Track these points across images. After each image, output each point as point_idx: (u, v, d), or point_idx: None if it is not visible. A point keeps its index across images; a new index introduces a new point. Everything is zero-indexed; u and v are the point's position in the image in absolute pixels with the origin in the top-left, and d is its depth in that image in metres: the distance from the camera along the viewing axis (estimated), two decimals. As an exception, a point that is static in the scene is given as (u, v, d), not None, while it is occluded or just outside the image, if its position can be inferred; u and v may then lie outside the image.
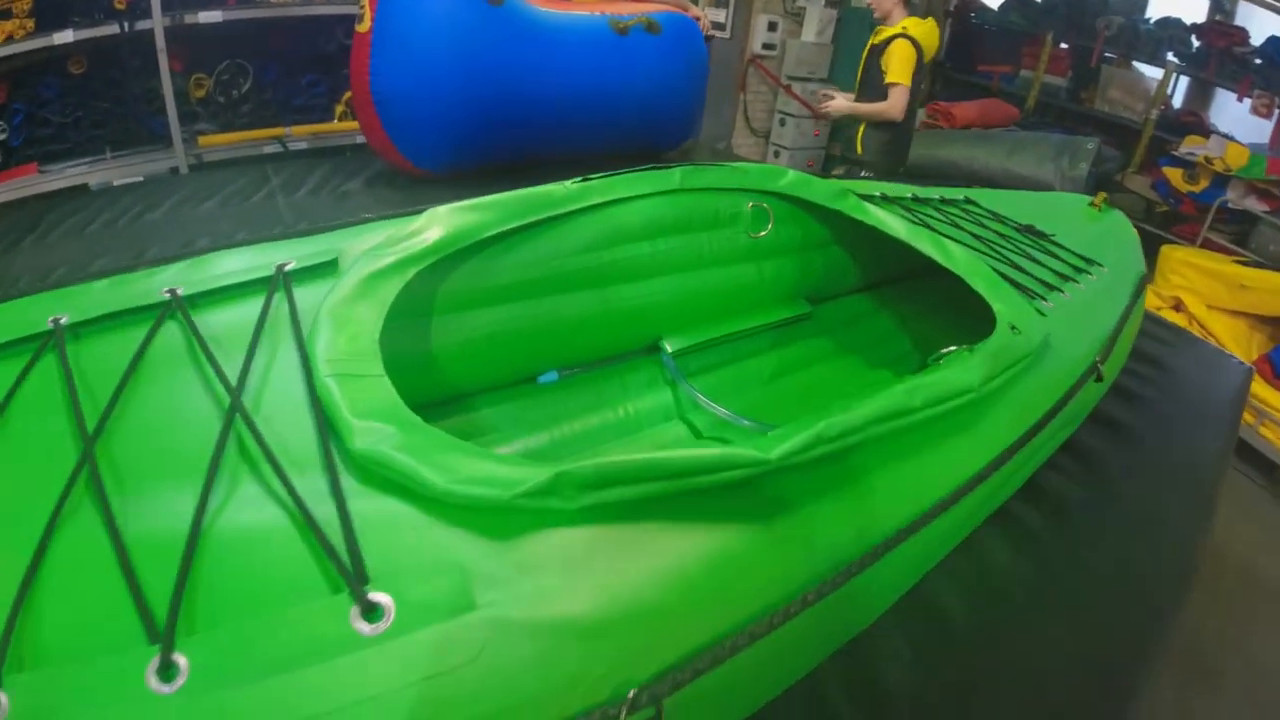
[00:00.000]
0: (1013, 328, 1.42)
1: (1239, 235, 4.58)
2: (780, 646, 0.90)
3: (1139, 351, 2.26)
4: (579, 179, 1.53)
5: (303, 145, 3.61)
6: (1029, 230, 2.10)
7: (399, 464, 0.77)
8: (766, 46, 5.75)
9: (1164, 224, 5.06)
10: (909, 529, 1.04)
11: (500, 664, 0.67)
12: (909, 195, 2.08)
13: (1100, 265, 2.02)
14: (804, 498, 0.99)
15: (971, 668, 1.12)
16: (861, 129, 3.23)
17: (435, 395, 1.44)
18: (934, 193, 2.22)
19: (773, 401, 1.89)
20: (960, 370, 1.23)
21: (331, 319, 0.99)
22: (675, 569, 0.83)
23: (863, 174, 3.22)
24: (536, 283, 1.47)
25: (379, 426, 0.82)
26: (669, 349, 1.77)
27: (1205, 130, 5.11)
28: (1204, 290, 4.08)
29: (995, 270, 1.68)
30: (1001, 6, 6.54)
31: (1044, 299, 1.67)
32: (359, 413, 0.83)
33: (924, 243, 1.73)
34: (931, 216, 1.94)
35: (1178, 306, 4.14)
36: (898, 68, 3.01)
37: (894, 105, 3.07)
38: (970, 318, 2.30)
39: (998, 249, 1.87)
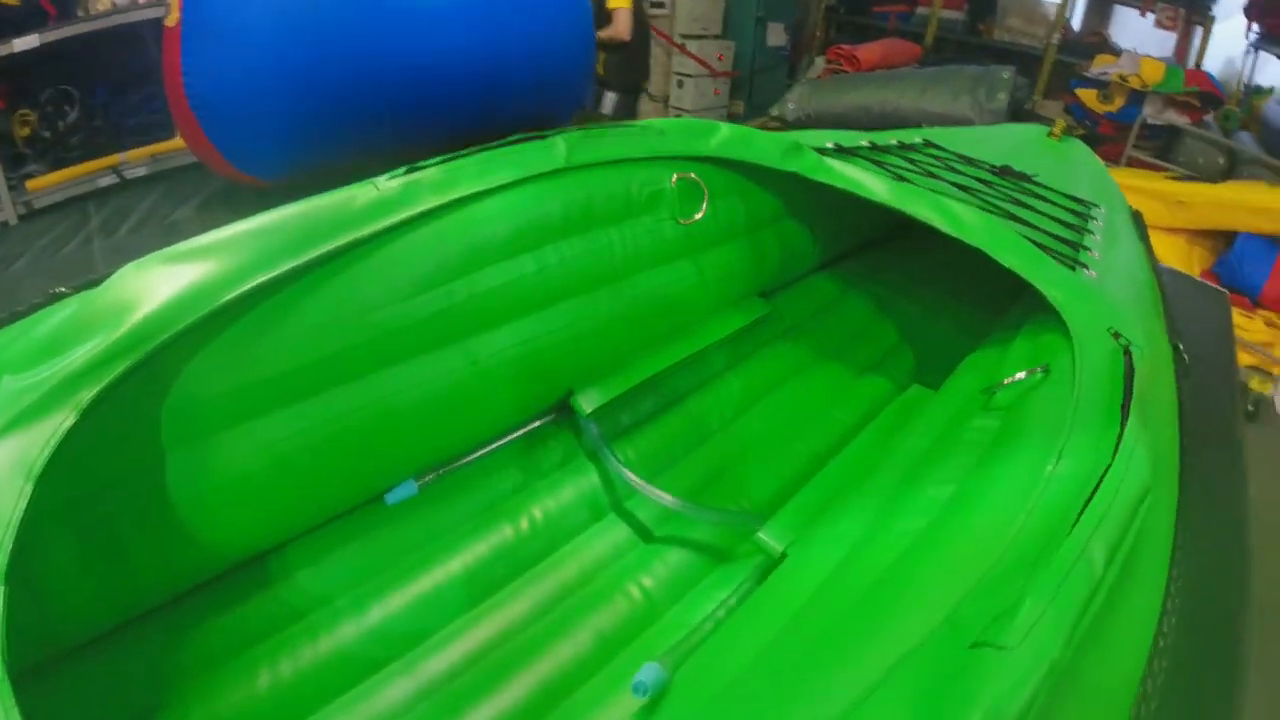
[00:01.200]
0: (1116, 335, 1.01)
1: (1161, 150, 4.50)
2: None
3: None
4: (402, 170, 1.02)
5: (142, 171, 3.02)
6: (1007, 172, 1.78)
7: None
8: (655, 5, 5.35)
9: (1084, 148, 4.96)
10: None
11: None
12: (865, 143, 1.71)
13: (1097, 206, 1.75)
14: None
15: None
16: (602, 55, 3.38)
17: (209, 568, 0.92)
18: (889, 136, 1.88)
19: (744, 450, 1.46)
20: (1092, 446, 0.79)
21: None
22: None
23: (607, 94, 3.51)
24: (350, 352, 0.96)
25: None
26: (585, 408, 1.27)
27: (1110, 49, 5.02)
28: (1141, 210, 3.96)
29: (1016, 234, 1.28)
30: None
31: (1085, 266, 1.28)
32: None
33: (920, 206, 1.33)
34: (901, 167, 1.55)
35: (1118, 231, 4.01)
36: None
37: (619, 28, 3.27)
38: (964, 281, 2.04)
39: (989, 200, 1.49)
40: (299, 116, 2.22)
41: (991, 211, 1.38)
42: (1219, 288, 3.03)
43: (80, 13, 2.98)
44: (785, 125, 5.00)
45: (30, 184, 2.84)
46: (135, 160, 3.04)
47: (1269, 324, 3.44)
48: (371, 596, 1.03)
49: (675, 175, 1.37)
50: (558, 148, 1.18)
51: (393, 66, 2.35)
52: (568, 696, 0.99)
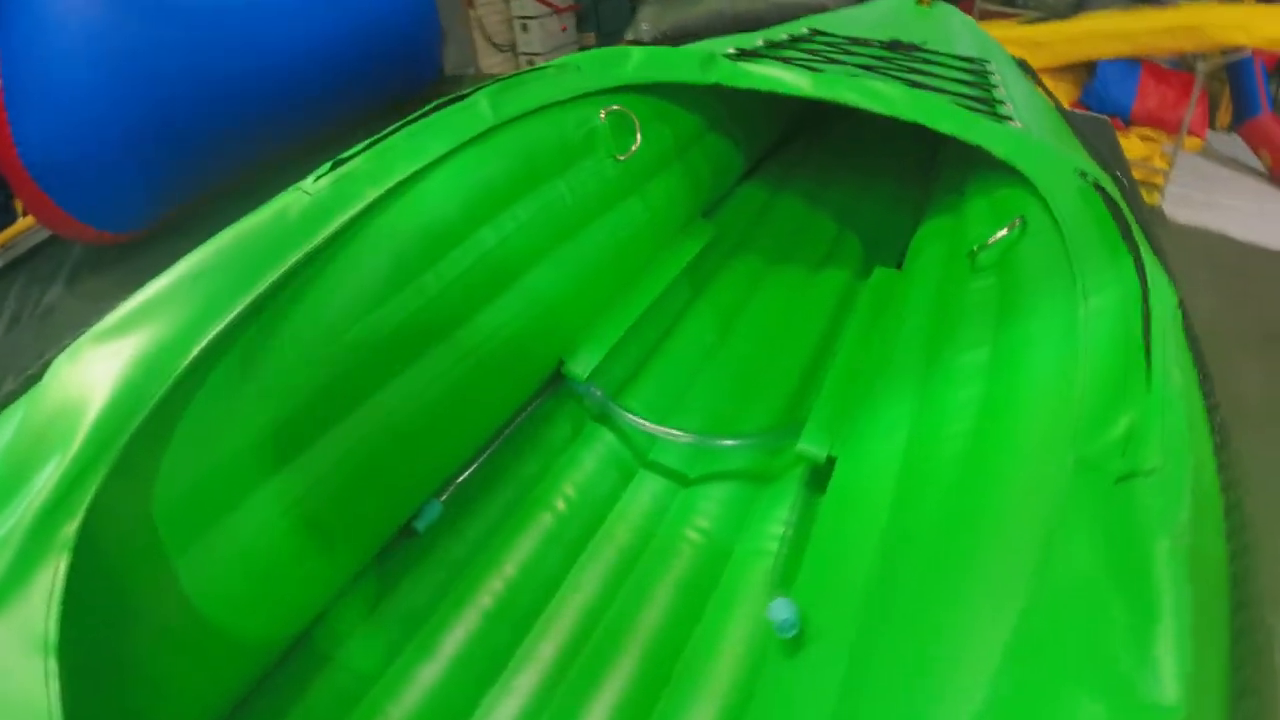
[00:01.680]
0: (1083, 174, 1.03)
1: (1008, -2, 4.59)
2: None
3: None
4: (327, 167, 0.92)
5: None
6: (897, 46, 1.77)
7: None
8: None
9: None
10: None
11: None
12: (760, 42, 1.67)
13: (988, 61, 1.76)
14: None
15: None
16: None
17: (258, 667, 0.81)
18: (779, 32, 1.84)
19: (737, 373, 1.45)
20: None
21: None
22: None
23: None
24: (338, 383, 0.86)
25: None
26: (581, 373, 1.23)
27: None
28: (1004, 59, 4.06)
29: (934, 96, 1.29)
30: None
31: (1009, 119, 1.29)
32: None
33: (844, 91, 1.30)
34: (804, 59, 1.51)
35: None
36: None
37: None
38: (877, 159, 2.14)
39: (893, 76, 1.47)
40: (149, 156, 2.03)
41: (906, 85, 1.37)
42: (1099, 115, 3.11)
43: None
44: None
45: None
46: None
47: (1144, 139, 3.59)
48: (438, 633, 0.95)
49: (603, 111, 1.32)
50: (481, 106, 1.11)
51: (235, 77, 2.20)
52: (678, 659, 0.94)
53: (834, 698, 0.65)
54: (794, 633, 0.78)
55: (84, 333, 0.68)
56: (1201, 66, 3.49)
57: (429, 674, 0.92)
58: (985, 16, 4.53)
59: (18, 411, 0.64)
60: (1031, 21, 4.13)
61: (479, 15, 5.32)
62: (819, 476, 1.08)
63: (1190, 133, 3.65)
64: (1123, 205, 0.96)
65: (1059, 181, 1.04)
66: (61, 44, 1.83)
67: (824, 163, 2.20)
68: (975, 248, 1.12)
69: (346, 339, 0.86)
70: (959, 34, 2.12)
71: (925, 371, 1.02)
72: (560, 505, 1.13)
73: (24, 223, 2.82)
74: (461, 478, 1.08)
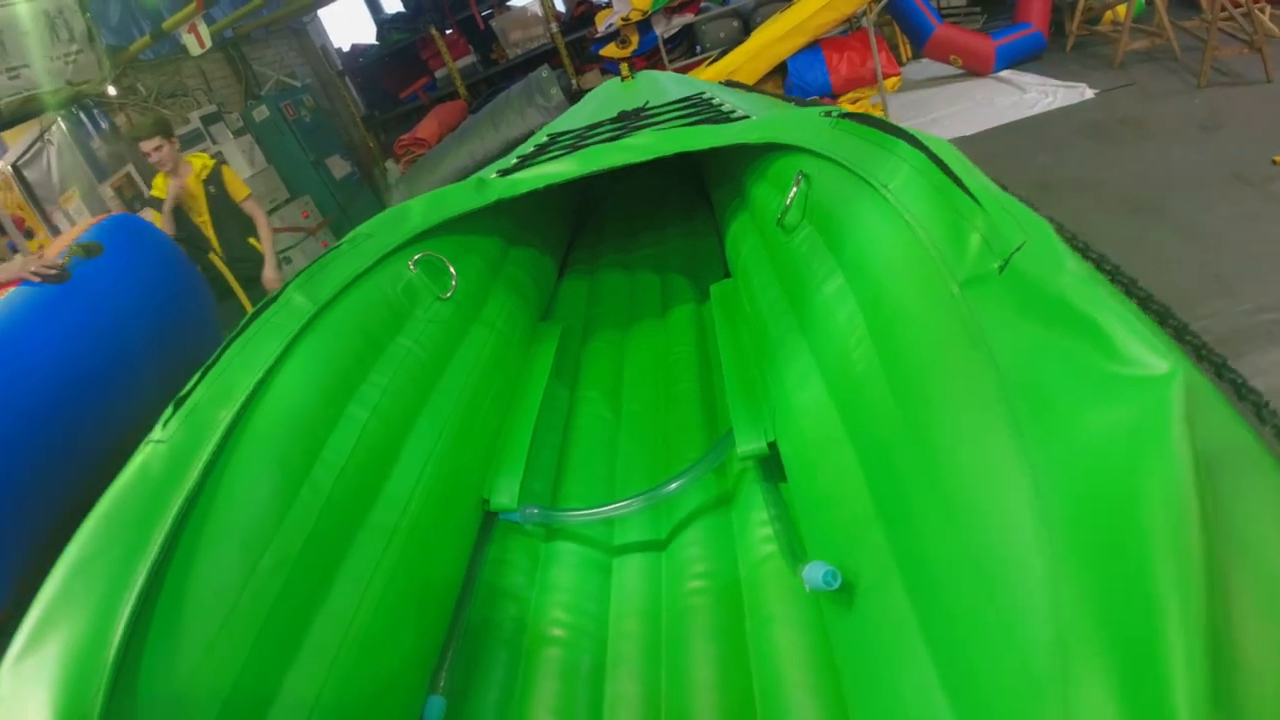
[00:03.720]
0: (827, 114, 1.19)
1: (688, 49, 5.21)
2: None
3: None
4: (169, 411, 0.88)
5: None
6: (624, 116, 1.96)
7: None
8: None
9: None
10: None
11: None
12: (514, 160, 1.78)
13: (702, 91, 2.02)
14: None
15: None
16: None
17: None
18: (526, 147, 2.02)
19: (649, 425, 1.47)
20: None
21: None
22: None
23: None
24: (280, 605, 0.82)
25: None
26: (509, 502, 1.20)
27: (601, 5, 5.66)
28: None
29: (676, 129, 1.44)
30: (367, 48, 6.57)
31: (743, 116, 1.47)
32: None
33: (604, 158, 1.42)
34: (558, 153, 1.63)
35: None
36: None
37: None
38: (670, 206, 2.34)
39: (642, 128, 1.64)
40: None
41: (651, 130, 1.50)
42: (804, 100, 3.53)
43: None
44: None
45: None
46: None
47: (853, 102, 4.11)
48: None
49: (410, 262, 1.34)
50: (295, 300, 1.08)
51: (38, 437, 2.06)
52: (751, 691, 0.90)
53: (911, 598, 0.63)
54: (839, 583, 0.75)
55: None
56: (866, 21, 4.03)
57: None
58: (684, 70, 5.08)
59: None
60: (714, 59, 4.67)
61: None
62: (770, 464, 1.10)
63: (886, 75, 4.18)
64: (872, 116, 1.09)
65: (812, 129, 1.17)
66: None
67: (619, 235, 2.37)
68: (779, 217, 1.22)
69: (265, 565, 0.79)
70: (667, 86, 2.36)
71: (799, 325, 1.09)
72: (560, 633, 1.05)
73: None
74: (448, 660, 0.99)
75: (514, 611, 1.08)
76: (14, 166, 4.94)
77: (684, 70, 4.94)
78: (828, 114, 1.20)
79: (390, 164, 6.28)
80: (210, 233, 3.42)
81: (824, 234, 1.08)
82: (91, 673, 0.61)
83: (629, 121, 1.81)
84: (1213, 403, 0.43)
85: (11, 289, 2.24)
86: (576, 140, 1.76)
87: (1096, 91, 3.84)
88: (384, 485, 1.01)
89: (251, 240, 3.46)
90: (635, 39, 5.23)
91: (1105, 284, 0.55)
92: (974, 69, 4.64)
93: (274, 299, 1.07)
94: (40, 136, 4.87)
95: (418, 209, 1.41)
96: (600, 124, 1.90)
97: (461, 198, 1.45)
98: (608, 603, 1.10)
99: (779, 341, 1.15)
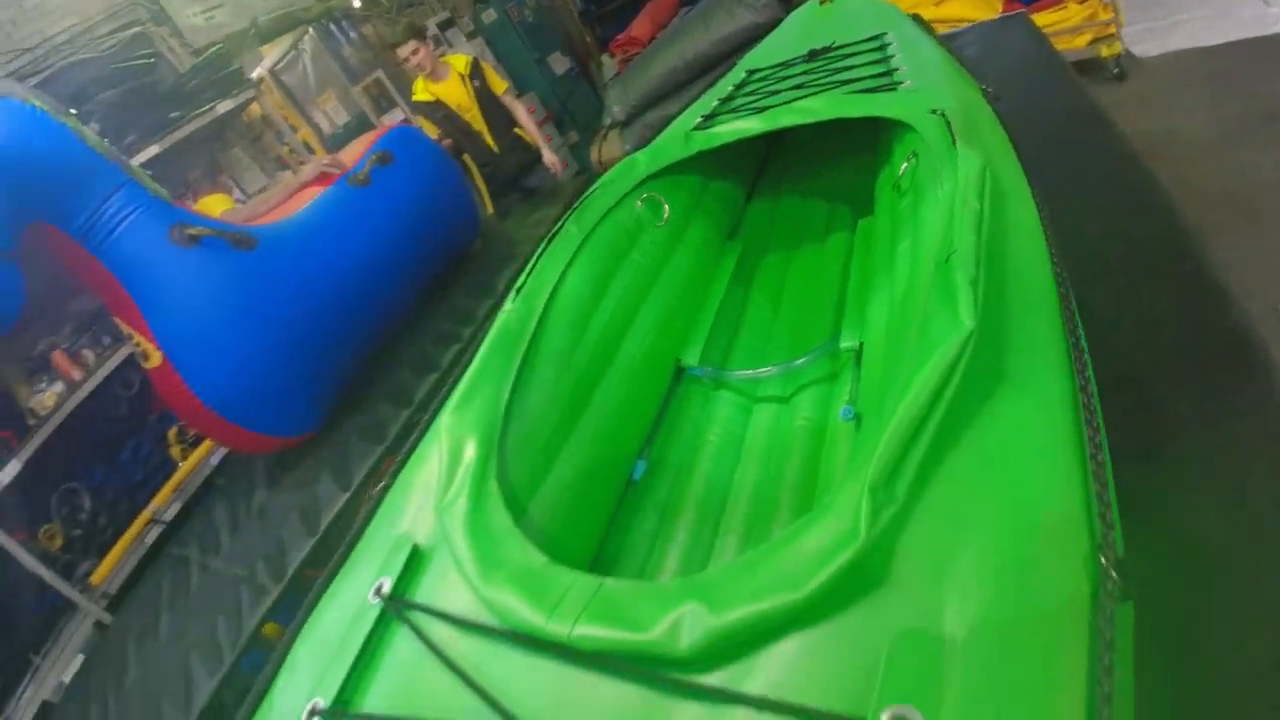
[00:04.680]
0: (938, 112, 1.47)
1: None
2: None
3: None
4: (514, 291, 1.48)
5: (177, 507, 3.19)
6: (814, 54, 2.16)
7: None
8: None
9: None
10: None
11: None
12: (715, 102, 2.11)
13: (885, 33, 2.13)
14: None
15: None
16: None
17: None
18: (724, 88, 2.26)
19: (795, 317, 1.93)
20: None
21: None
22: None
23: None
24: (570, 395, 1.44)
25: None
26: (694, 361, 1.77)
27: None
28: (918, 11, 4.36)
29: (850, 93, 1.76)
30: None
31: (901, 81, 1.74)
32: None
33: (784, 118, 1.77)
34: (749, 102, 1.99)
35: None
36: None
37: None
38: (846, 144, 2.51)
39: (820, 83, 1.92)
40: (302, 371, 2.54)
41: (827, 90, 1.84)
42: (1015, 12, 3.40)
43: (31, 421, 3.06)
44: (624, 124, 5.30)
45: (94, 579, 2.98)
46: (164, 503, 3.20)
47: (1081, 2, 3.84)
48: (667, 539, 1.48)
49: (638, 201, 1.89)
50: (570, 230, 1.65)
51: (347, 288, 2.73)
52: (816, 484, 1.44)
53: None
54: (851, 416, 1.40)
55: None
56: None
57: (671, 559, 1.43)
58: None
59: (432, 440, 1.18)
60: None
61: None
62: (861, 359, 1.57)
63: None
64: (957, 121, 1.41)
65: (926, 123, 1.49)
66: (214, 316, 2.34)
67: (801, 166, 2.65)
68: (897, 180, 1.62)
69: (564, 379, 1.42)
70: (859, 17, 2.45)
71: (888, 267, 1.54)
72: (714, 439, 1.65)
73: (187, 465, 3.40)
74: (651, 440, 1.63)
75: (688, 426, 1.69)
76: (272, 72, 5.69)
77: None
78: (934, 111, 1.49)
79: (606, 59, 6.57)
80: (481, 126, 3.70)
81: (912, 204, 1.48)
82: (493, 416, 1.18)
83: (817, 64, 2.08)
84: None
85: (324, 188, 2.85)
86: (768, 84, 2.11)
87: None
88: (621, 343, 1.62)
89: (517, 130, 3.73)
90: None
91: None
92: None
93: (560, 228, 1.65)
94: (293, 46, 5.59)
95: (643, 160, 1.91)
96: (792, 62, 2.18)
97: (671, 150, 1.91)
98: (745, 429, 1.67)
99: (875, 277, 1.62)
